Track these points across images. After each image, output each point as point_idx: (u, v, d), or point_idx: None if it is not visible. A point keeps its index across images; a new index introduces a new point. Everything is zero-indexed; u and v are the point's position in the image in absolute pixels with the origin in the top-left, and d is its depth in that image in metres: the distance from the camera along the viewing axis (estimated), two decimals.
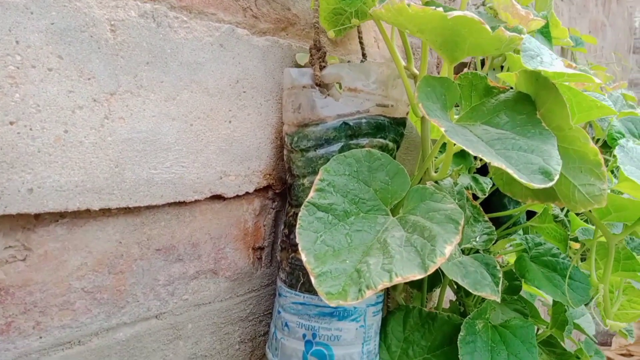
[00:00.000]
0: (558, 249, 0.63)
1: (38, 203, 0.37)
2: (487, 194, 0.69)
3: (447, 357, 0.61)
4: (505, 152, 0.47)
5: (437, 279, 0.75)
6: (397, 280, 0.44)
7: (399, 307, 0.66)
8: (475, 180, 0.71)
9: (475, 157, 0.81)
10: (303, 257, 0.47)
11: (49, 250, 0.40)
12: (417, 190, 0.53)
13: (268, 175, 0.59)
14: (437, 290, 0.75)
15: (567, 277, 0.60)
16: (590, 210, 0.57)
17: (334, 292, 0.45)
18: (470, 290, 0.51)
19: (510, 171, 0.44)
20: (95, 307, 0.45)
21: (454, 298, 0.79)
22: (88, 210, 0.42)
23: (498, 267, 0.58)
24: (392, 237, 0.48)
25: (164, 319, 0.51)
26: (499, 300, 0.54)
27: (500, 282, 0.56)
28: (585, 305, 0.88)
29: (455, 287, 0.80)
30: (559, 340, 0.80)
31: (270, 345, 0.58)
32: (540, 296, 0.93)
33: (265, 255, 0.62)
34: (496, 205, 0.83)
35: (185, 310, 0.53)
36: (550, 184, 0.44)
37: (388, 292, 0.68)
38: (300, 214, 0.49)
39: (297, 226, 0.48)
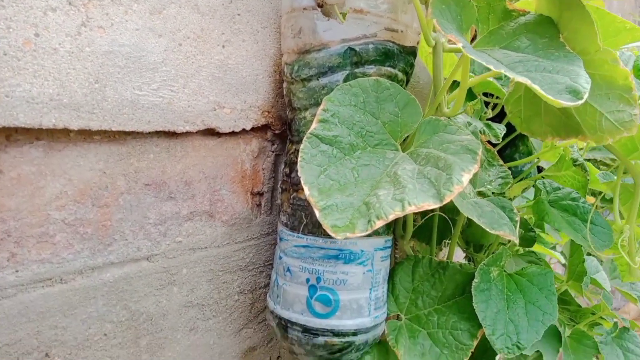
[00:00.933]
0: (577, 193, 0.58)
1: (7, 114, 0.33)
2: (500, 140, 0.64)
3: (459, 307, 0.57)
4: (529, 74, 0.43)
5: (447, 229, 0.71)
6: (410, 209, 0.40)
7: (408, 257, 0.62)
8: (488, 126, 0.66)
9: (487, 105, 0.77)
10: (306, 191, 0.43)
11: (23, 173, 0.36)
12: (429, 122, 0.49)
13: (266, 113, 0.54)
14: (446, 251, 0.72)
15: (589, 221, 0.56)
16: (614, 147, 0.53)
17: (341, 225, 0.41)
18: (487, 229, 0.47)
19: (535, 87, 0.39)
20: (78, 242, 0.41)
21: (462, 259, 0.76)
22: (66, 131, 0.37)
23: (515, 211, 0.54)
24: (404, 170, 0.44)
25: (155, 262, 0.47)
26: (517, 241, 0.50)
27: (517, 225, 0.52)
28: (601, 263, 0.84)
29: (465, 244, 0.76)
30: (573, 297, 0.77)
31: (271, 293, 0.54)
32: (553, 257, 0.90)
33: (265, 202, 0.58)
34: (506, 161, 0.79)
35: (179, 254, 0.49)
36: (580, 102, 0.39)
37: (396, 243, 0.64)
38: (302, 147, 0.45)
39: (299, 159, 0.44)
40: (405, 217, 0.59)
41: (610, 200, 0.64)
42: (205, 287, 0.53)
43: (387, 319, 0.58)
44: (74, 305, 0.41)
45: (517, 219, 0.53)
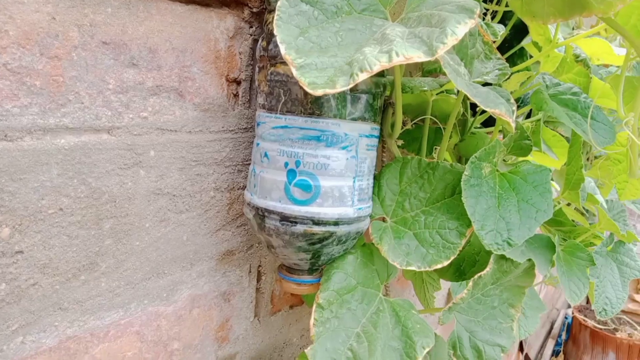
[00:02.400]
0: (579, 87, 0.55)
1: None
2: (498, 38, 0.60)
3: (448, 208, 0.54)
4: None
5: (438, 140, 0.67)
6: (398, 60, 0.35)
7: (396, 158, 0.58)
8: (487, 24, 0.62)
9: (486, 13, 0.72)
10: (282, 50, 0.38)
11: None
12: None
13: None
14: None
15: (589, 117, 0.52)
16: (624, 29, 0.49)
17: (320, 82, 0.36)
18: (482, 106, 0.43)
19: None
20: (25, 95, 0.36)
21: None
22: None
23: (512, 100, 0.50)
24: (393, 30, 0.40)
25: (118, 136, 0.43)
26: (513, 124, 0.46)
27: (514, 110, 0.48)
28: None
29: (457, 160, 0.72)
30: (567, 217, 0.74)
31: (248, 185, 0.50)
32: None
33: (243, 93, 0.54)
34: None
35: (145, 132, 0.45)
36: None
37: (384, 145, 0.60)
38: (278, 5, 0.40)
39: (275, 19, 0.40)
40: (394, 113, 0.55)
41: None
42: (176, 176, 0.49)
43: (372, 221, 0.55)
44: (23, 169, 0.37)
45: (514, 108, 0.49)
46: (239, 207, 0.57)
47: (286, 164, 0.46)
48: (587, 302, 3.93)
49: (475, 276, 0.54)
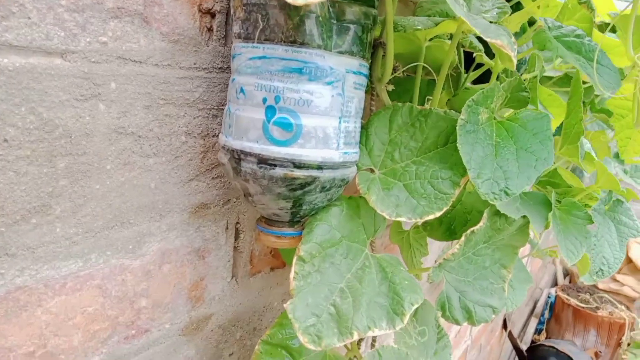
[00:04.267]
0: (582, 30, 0.51)
1: None
2: None
3: (441, 157, 0.50)
4: None
5: (431, 87, 0.63)
6: None
7: (385, 106, 0.54)
8: None
9: None
10: None
11: None
12: None
13: None
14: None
15: (595, 61, 0.48)
16: None
17: None
18: (483, 35, 0.39)
19: None
20: None
21: None
22: None
23: (513, 38, 0.46)
24: None
25: (73, 62, 0.38)
26: (514, 59, 0.42)
27: (516, 48, 0.44)
28: None
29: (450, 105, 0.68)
30: (562, 178, 0.71)
31: (223, 126, 0.46)
32: None
33: (218, 27, 0.49)
34: None
35: (105, 60, 0.40)
36: None
37: (372, 92, 0.56)
38: None
39: None
40: (384, 55, 0.51)
41: None
42: (141, 114, 0.44)
43: (359, 172, 0.51)
44: None
45: (516, 46, 0.45)
46: (213, 156, 0.53)
47: (264, 100, 0.41)
48: (570, 281, 3.98)
49: (468, 231, 0.51)
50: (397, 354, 0.55)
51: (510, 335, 2.55)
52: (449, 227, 0.61)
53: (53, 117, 0.38)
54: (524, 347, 2.70)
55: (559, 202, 0.67)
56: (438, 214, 0.47)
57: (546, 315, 3.34)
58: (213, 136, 0.52)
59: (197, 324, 0.58)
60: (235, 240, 0.60)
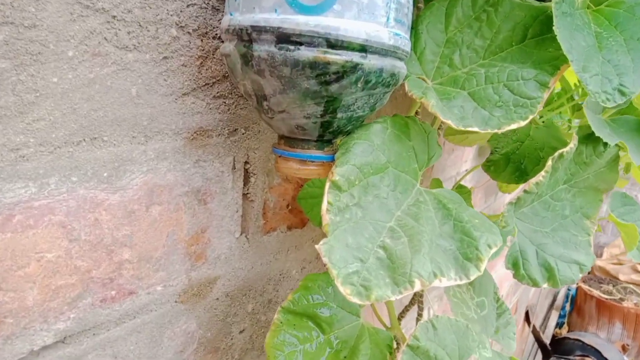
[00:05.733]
0: None
1: None
2: None
3: (519, 57, 0.38)
4: None
5: None
6: None
7: None
8: None
9: None
10: None
11: None
12: None
13: None
14: None
15: None
16: None
17: None
18: None
19: None
20: None
21: None
22: None
23: None
24: None
25: None
26: None
27: None
28: None
29: None
30: None
31: (227, 3, 0.33)
32: None
33: None
34: None
35: None
36: None
37: None
38: None
39: None
40: None
41: None
42: None
43: (409, 78, 0.38)
44: None
45: None
46: (215, 67, 0.40)
47: None
48: (590, 272, 3.84)
49: (556, 154, 0.38)
50: (456, 326, 0.42)
51: (534, 330, 2.41)
52: (518, 166, 0.48)
53: None
54: (546, 341, 2.57)
55: None
56: (523, 123, 0.34)
57: (567, 308, 3.20)
58: (213, 38, 0.39)
59: (199, 288, 0.46)
60: (244, 185, 0.48)
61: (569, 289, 3.33)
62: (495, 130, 0.34)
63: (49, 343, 0.34)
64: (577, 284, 3.19)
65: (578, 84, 0.62)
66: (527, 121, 0.34)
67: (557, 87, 0.68)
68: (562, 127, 0.59)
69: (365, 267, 0.31)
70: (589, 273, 3.81)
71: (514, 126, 0.34)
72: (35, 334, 0.33)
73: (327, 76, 0.31)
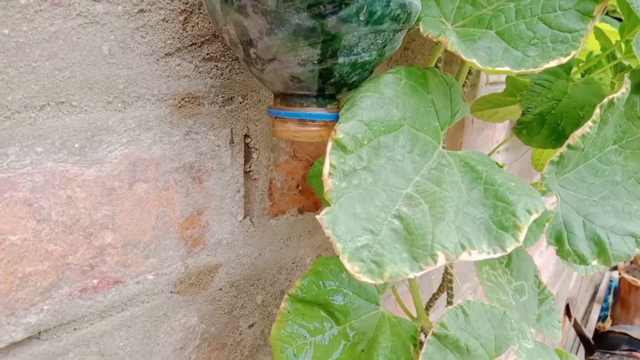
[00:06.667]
0: None
1: None
2: None
3: None
4: None
5: None
6: None
7: None
8: None
9: None
10: None
11: None
12: None
13: None
14: None
15: None
16: None
17: None
18: None
19: None
20: None
21: None
22: None
23: None
24: None
25: None
26: None
27: None
28: None
29: None
30: None
31: None
32: None
33: None
34: None
35: None
36: None
37: None
38: None
39: None
40: None
41: None
42: None
43: (423, 19, 0.33)
44: None
45: None
46: (202, 24, 0.36)
47: None
48: (632, 262, 3.65)
49: (605, 100, 0.32)
50: (491, 313, 0.36)
51: (575, 324, 2.29)
52: (555, 127, 0.42)
53: None
54: (588, 335, 2.43)
55: None
56: (564, 60, 0.28)
57: (610, 300, 3.04)
58: None
59: (198, 277, 0.41)
60: (245, 162, 0.43)
61: (611, 280, 3.17)
62: (532, 69, 0.28)
63: (19, 339, 0.30)
64: (620, 274, 3.03)
65: (620, 39, 0.54)
66: (569, 57, 0.28)
67: (596, 47, 0.61)
68: (604, 85, 0.52)
69: (377, 240, 0.26)
70: (631, 262, 3.62)
71: (553, 63, 0.28)
72: (1, 328, 0.29)
73: (322, 7, 0.25)
